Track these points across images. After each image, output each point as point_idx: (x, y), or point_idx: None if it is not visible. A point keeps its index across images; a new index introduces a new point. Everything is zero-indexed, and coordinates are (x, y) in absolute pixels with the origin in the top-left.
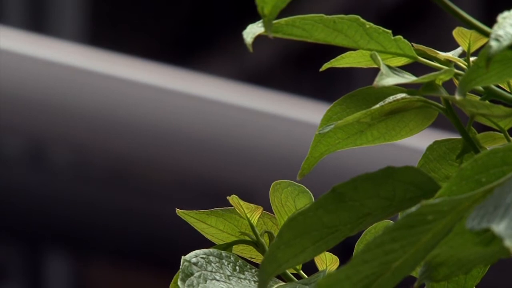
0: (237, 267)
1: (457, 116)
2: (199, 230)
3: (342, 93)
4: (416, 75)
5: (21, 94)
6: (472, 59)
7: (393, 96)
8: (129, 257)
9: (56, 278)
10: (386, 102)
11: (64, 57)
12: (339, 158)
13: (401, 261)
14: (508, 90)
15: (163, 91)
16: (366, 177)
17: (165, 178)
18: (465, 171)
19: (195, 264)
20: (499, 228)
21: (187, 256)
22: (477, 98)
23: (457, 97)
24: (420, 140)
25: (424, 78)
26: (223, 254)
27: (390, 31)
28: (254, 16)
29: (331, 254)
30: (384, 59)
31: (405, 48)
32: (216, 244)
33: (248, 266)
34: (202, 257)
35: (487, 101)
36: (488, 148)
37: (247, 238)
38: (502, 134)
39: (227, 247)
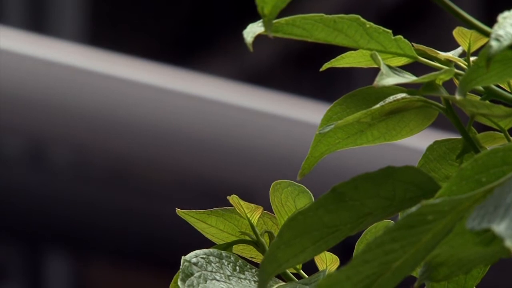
0: (237, 267)
1: (457, 116)
2: (199, 230)
3: (342, 93)
4: (416, 75)
5: (21, 94)
6: (472, 59)
7: (393, 96)
8: (129, 257)
9: (56, 278)
10: (386, 102)
11: (64, 57)
12: (339, 158)
13: (402, 261)
14: (508, 90)
15: (163, 91)
16: (366, 176)
17: (165, 178)
18: (465, 171)
19: (195, 264)
20: (499, 228)
21: (187, 256)
22: (477, 98)
23: (457, 97)
24: (420, 140)
25: (424, 78)
26: (223, 254)
27: (390, 31)
28: (254, 16)
29: (331, 254)
30: (384, 59)
31: (405, 48)
32: (216, 244)
33: (248, 266)
34: (202, 257)
35: (487, 101)
36: (488, 148)
37: (247, 238)
38: (502, 134)
39: (227, 247)
